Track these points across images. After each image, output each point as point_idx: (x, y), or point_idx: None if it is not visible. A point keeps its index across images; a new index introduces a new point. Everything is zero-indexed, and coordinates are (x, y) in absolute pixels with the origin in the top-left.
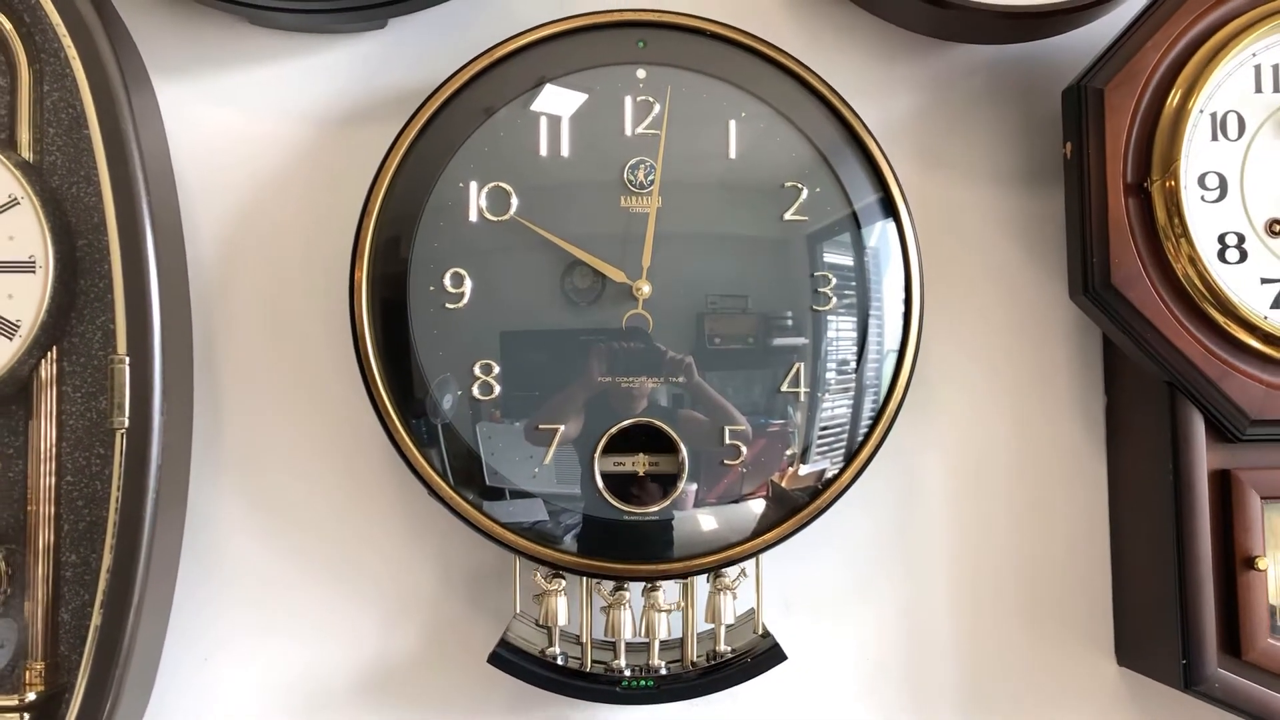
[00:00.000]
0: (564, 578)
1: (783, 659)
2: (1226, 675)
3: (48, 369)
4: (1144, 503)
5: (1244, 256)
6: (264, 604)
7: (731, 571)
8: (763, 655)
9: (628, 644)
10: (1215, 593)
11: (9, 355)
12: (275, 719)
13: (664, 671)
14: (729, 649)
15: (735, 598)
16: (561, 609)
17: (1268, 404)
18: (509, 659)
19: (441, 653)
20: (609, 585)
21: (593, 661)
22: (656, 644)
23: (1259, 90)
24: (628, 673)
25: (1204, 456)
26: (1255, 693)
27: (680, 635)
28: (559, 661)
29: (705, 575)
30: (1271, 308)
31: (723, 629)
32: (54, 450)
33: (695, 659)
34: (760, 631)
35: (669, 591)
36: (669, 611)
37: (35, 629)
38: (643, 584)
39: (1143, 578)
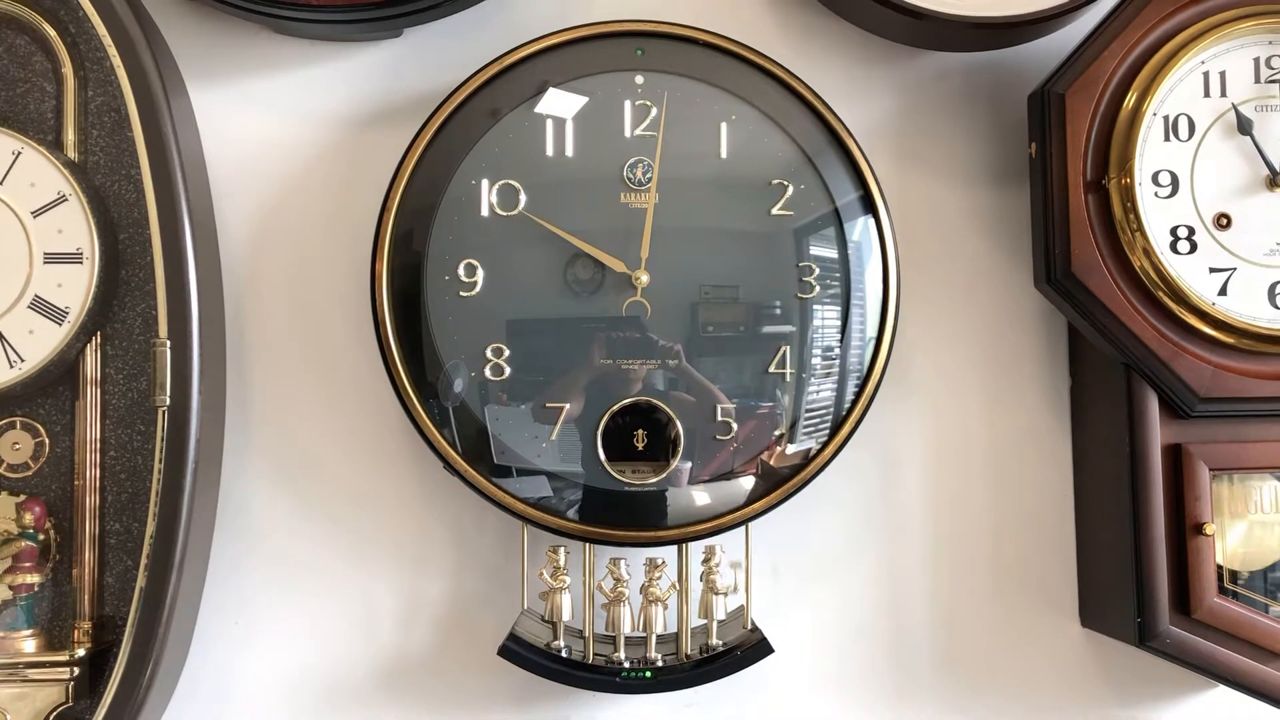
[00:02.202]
0: (569, 575)
1: (770, 652)
2: (1177, 632)
3: (93, 353)
4: (1104, 475)
5: (1194, 248)
6: (289, 569)
7: (723, 570)
8: (752, 649)
9: (627, 638)
10: (1167, 556)
11: (59, 339)
12: (298, 681)
13: (660, 663)
14: (720, 643)
15: (726, 596)
16: (566, 605)
17: (1215, 383)
18: (517, 651)
19: (454, 645)
20: (609, 583)
21: (594, 654)
22: (654, 638)
23: (1207, 95)
24: (627, 664)
25: (1158, 432)
26: (1203, 647)
27: (676, 630)
28: (563, 654)
29: (699, 575)
30: (1219, 295)
31: (715, 624)
32: (98, 428)
33: (690, 652)
34: (749, 626)
35: (666, 579)
36: (665, 601)
37: (82, 592)
38: (640, 582)
39: (1103, 544)
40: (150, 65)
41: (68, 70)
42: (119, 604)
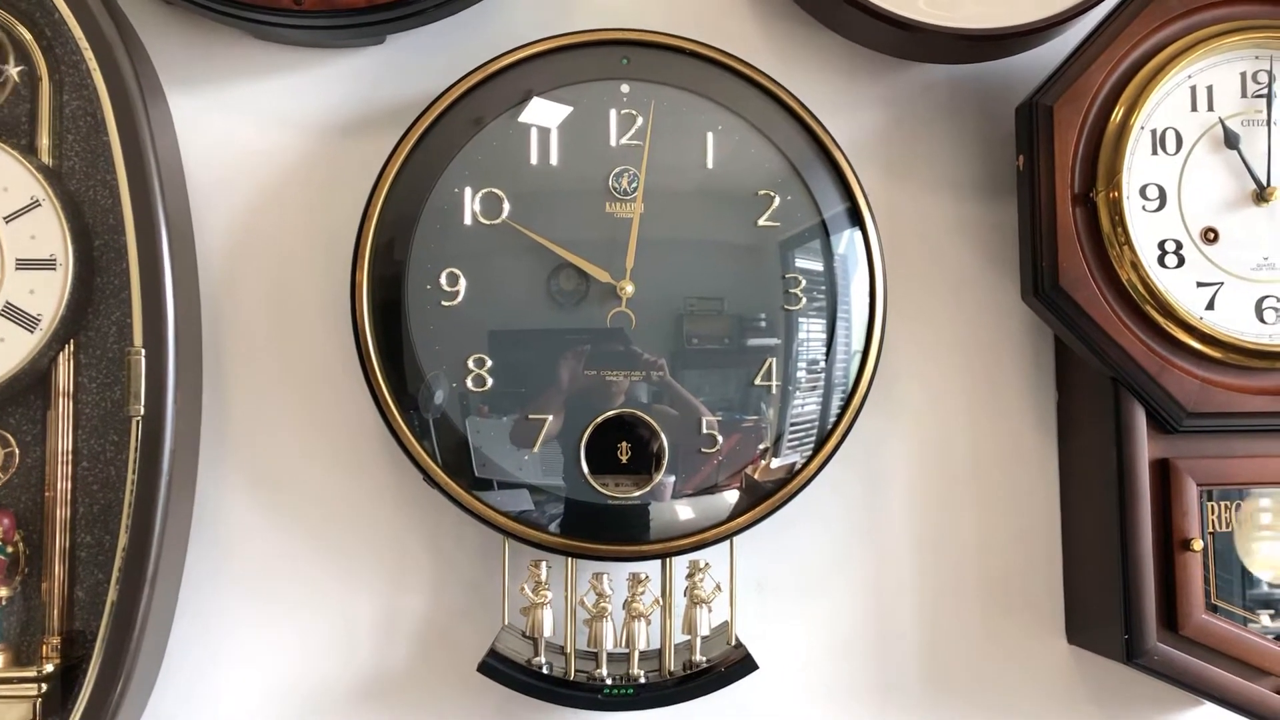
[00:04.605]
0: (550, 591)
1: (754, 669)
2: (1165, 649)
3: (65, 361)
4: (1091, 490)
5: (1182, 262)
6: (266, 583)
7: (707, 585)
8: (735, 665)
9: (609, 654)
10: (1155, 572)
11: (30, 347)
12: (273, 698)
13: (643, 680)
14: (704, 659)
15: (710, 611)
16: (547, 620)
17: (1203, 398)
18: (497, 668)
19: (433, 661)
20: (592, 598)
21: (576, 670)
22: (636, 654)
23: (1194, 109)
24: (609, 681)
25: (1145, 447)
26: (1190, 664)
27: (659, 646)
28: (544, 670)
29: (683, 590)
30: (1206, 309)
31: (698, 640)
32: (70, 438)
33: (673, 669)
34: (733, 643)
35: (650, 594)
36: (648, 616)
37: (52, 606)
38: (623, 598)
39: (1090, 560)
40: (127, 69)
41: (43, 73)
42: (90, 618)
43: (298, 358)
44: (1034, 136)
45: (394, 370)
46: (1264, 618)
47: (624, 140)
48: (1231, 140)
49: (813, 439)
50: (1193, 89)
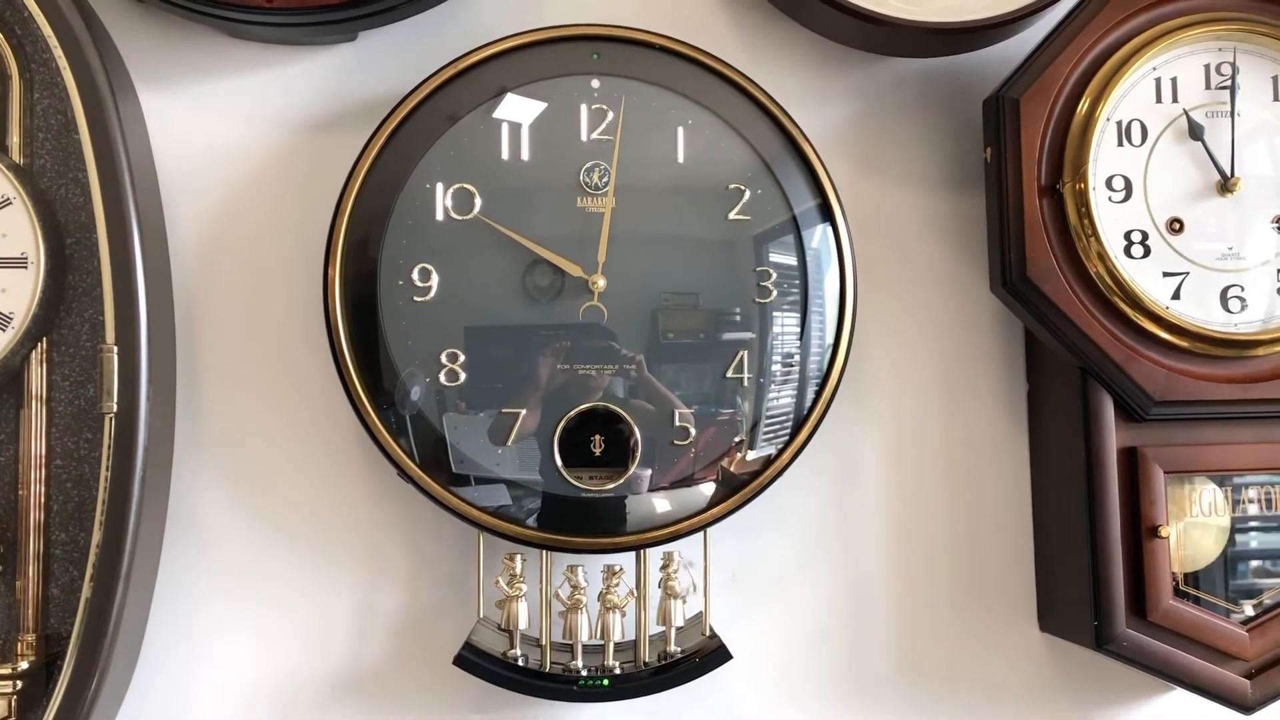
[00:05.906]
0: (525, 584)
1: (728, 658)
2: (1134, 634)
3: (38, 359)
4: (1061, 479)
5: (1148, 252)
6: (242, 579)
7: (683, 580)
8: (710, 655)
9: (584, 646)
10: (1124, 559)
11: (2, 346)
12: (250, 694)
13: (618, 671)
14: (679, 649)
15: (685, 602)
16: (522, 613)
17: (1170, 386)
18: (473, 660)
19: (409, 655)
20: (567, 590)
21: (552, 662)
22: (611, 645)
23: (1159, 100)
24: (584, 673)
25: (1113, 435)
26: (1159, 650)
27: (634, 637)
28: (520, 663)
29: (657, 581)
30: (1172, 299)
31: (673, 631)
32: (44, 435)
33: (648, 659)
34: (708, 633)
35: (624, 585)
36: (623, 608)
37: (26, 604)
38: (598, 589)
39: (1060, 548)
40: (97, 67)
41: (13, 72)
42: (64, 616)
43: (271, 354)
44: (1001, 129)
45: (369, 366)
46: (1247, 608)
47: (595, 135)
48: (1196, 131)
49: (786, 431)
50: (1157, 81)
